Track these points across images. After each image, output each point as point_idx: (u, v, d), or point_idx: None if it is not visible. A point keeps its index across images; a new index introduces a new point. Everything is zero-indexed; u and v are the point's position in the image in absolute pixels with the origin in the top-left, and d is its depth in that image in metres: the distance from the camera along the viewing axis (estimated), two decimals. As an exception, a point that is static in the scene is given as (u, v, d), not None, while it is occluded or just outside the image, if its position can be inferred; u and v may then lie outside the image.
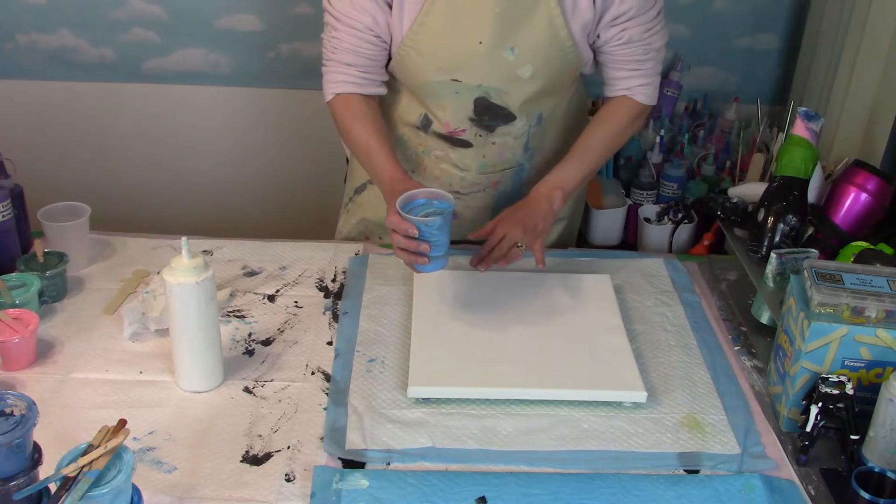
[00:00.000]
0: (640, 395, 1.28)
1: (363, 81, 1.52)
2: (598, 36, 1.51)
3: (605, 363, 1.34)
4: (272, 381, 1.33)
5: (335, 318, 1.48)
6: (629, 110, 1.58)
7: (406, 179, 1.43)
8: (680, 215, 1.97)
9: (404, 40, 1.48)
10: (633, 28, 1.49)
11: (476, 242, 1.72)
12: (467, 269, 1.60)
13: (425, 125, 1.60)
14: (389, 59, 1.55)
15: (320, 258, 1.65)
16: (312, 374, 1.35)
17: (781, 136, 2.01)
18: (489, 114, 1.55)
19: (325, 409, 1.27)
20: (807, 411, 1.18)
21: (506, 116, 1.56)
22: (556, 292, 1.51)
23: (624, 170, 2.22)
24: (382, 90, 1.56)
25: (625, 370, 1.33)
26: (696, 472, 1.19)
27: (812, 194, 1.54)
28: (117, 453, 0.99)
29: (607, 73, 1.58)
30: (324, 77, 1.55)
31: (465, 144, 1.60)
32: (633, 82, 1.56)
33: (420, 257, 1.32)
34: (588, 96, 1.77)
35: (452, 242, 1.71)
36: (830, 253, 1.48)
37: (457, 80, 1.51)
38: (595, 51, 1.55)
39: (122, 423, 1.03)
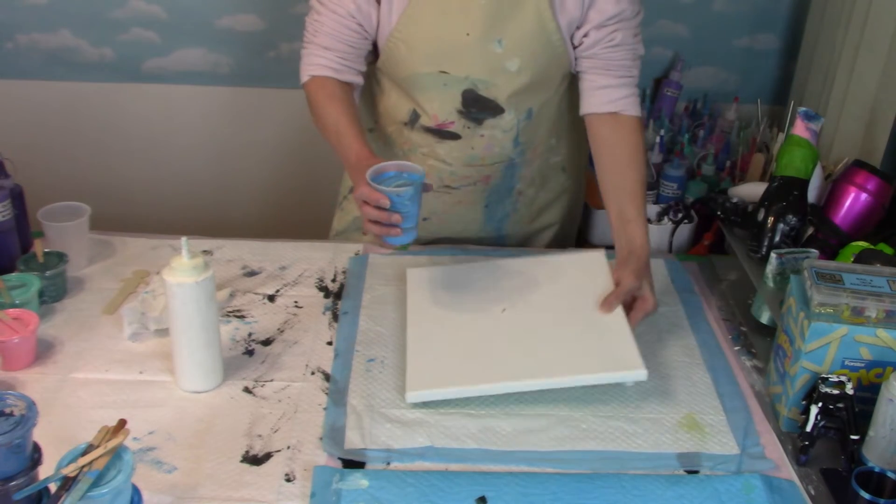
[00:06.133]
0: (640, 374, 1.26)
1: (340, 68, 1.52)
2: (587, 35, 1.50)
3: (604, 344, 1.31)
4: (272, 381, 1.33)
5: (335, 318, 1.48)
6: (637, 132, 1.53)
7: (373, 157, 1.40)
8: (680, 215, 1.97)
9: (392, 32, 1.49)
10: (623, 30, 1.49)
11: (470, 241, 1.73)
12: (457, 263, 1.58)
13: (413, 120, 1.60)
14: (377, 54, 1.55)
15: (320, 258, 1.65)
16: (312, 374, 1.35)
17: (781, 136, 2.01)
18: (477, 106, 1.55)
19: (324, 409, 1.27)
20: (807, 411, 1.18)
21: (494, 109, 1.56)
22: (550, 275, 1.48)
23: (624, 170, 2.22)
24: (359, 80, 1.56)
25: (623, 349, 1.30)
26: (696, 472, 1.19)
27: (812, 194, 1.54)
28: (117, 453, 0.99)
29: (594, 82, 1.53)
30: (302, 59, 1.55)
31: (454, 137, 1.59)
32: (623, 92, 1.53)
33: (392, 228, 1.29)
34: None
35: (448, 241, 1.72)
36: (830, 253, 1.48)
37: (444, 72, 1.51)
38: (579, 58, 1.53)
39: (122, 423, 1.03)
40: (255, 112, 2.53)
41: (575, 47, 1.53)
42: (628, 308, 1.40)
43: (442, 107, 1.56)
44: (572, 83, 1.63)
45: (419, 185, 1.30)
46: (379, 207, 1.28)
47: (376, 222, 1.29)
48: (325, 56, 1.51)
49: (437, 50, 1.49)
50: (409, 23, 1.47)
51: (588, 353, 1.31)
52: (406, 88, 1.57)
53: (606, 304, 1.38)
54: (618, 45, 1.50)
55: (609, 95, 1.53)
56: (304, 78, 1.54)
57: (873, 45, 1.91)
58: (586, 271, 1.49)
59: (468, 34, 1.47)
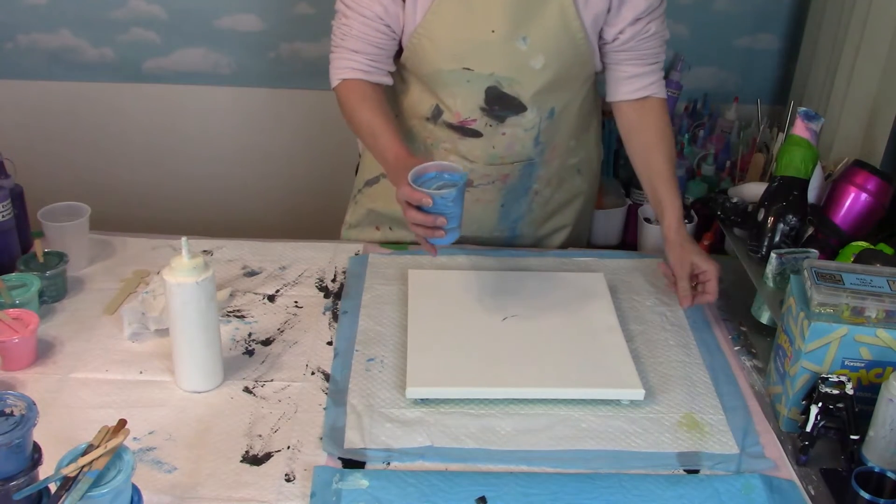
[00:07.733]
0: (638, 393, 1.29)
1: (370, 69, 1.53)
2: (622, 32, 1.52)
3: (603, 361, 1.34)
4: (272, 381, 1.33)
5: (335, 317, 1.48)
6: (663, 114, 1.60)
7: (410, 156, 1.41)
8: (680, 215, 1.96)
9: (417, 29, 1.49)
10: (656, 20, 1.53)
11: (481, 242, 1.73)
12: (461, 269, 1.59)
13: (435, 116, 1.60)
14: (401, 50, 1.55)
15: (320, 258, 1.65)
16: (312, 374, 1.35)
17: (781, 136, 2.01)
18: (500, 103, 1.55)
19: (324, 408, 1.27)
20: (807, 411, 1.18)
21: (517, 107, 1.56)
22: (551, 291, 1.52)
23: (624, 170, 2.22)
24: (389, 80, 1.57)
25: (622, 368, 1.33)
26: (696, 471, 1.19)
27: (812, 194, 1.54)
28: (117, 453, 0.99)
29: (626, 72, 1.58)
30: (331, 63, 1.55)
31: (476, 134, 1.60)
32: (653, 77, 1.59)
33: (436, 230, 1.31)
34: (599, 96, 1.76)
35: (460, 241, 1.71)
36: (830, 253, 1.48)
37: (468, 69, 1.51)
38: (610, 51, 1.56)
39: (122, 423, 1.03)
40: (255, 112, 2.53)
41: (607, 43, 1.55)
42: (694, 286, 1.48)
43: (465, 103, 1.56)
44: (592, 86, 1.65)
45: (463, 187, 1.31)
46: (421, 209, 1.29)
47: (420, 225, 1.31)
48: (354, 59, 1.52)
49: (462, 47, 1.49)
50: (433, 19, 1.47)
51: (588, 368, 1.33)
52: (429, 84, 1.57)
53: (683, 299, 1.47)
54: (652, 35, 1.54)
55: (640, 83, 1.58)
56: (335, 82, 1.55)
57: (873, 45, 1.91)
58: (587, 291, 1.52)
59: (493, 31, 1.47)
